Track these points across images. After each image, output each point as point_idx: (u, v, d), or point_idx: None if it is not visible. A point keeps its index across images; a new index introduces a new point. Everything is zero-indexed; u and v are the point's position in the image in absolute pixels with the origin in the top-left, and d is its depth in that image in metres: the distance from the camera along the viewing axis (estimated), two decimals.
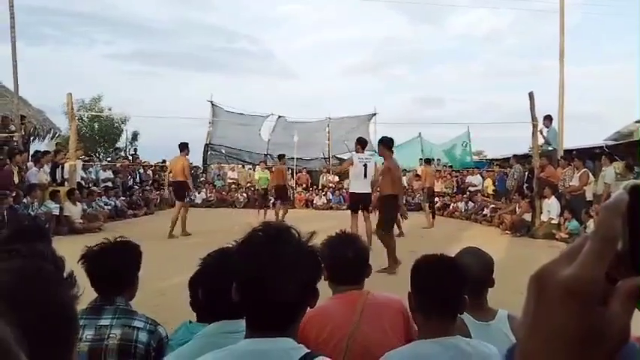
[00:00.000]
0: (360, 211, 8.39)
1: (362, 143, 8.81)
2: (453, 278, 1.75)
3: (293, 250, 1.23)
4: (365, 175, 8.37)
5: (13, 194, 10.50)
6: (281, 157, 14.38)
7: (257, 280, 1.19)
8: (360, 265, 2.20)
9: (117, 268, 2.04)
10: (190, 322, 2.08)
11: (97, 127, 31.94)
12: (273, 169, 14.86)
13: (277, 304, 1.20)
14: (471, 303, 2.10)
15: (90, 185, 14.73)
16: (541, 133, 12.69)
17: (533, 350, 0.40)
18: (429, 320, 1.73)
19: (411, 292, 1.79)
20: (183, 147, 11.21)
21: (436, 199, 18.19)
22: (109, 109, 31.62)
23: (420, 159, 21.49)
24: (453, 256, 1.92)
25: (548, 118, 12.95)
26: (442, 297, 1.72)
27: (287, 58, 71.12)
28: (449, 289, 1.73)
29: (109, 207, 14.11)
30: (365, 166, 8.41)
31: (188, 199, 11.75)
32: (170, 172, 11.39)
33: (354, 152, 8.92)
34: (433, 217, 13.67)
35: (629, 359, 0.44)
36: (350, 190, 8.69)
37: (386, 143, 7.58)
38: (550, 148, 13.08)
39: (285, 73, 64.40)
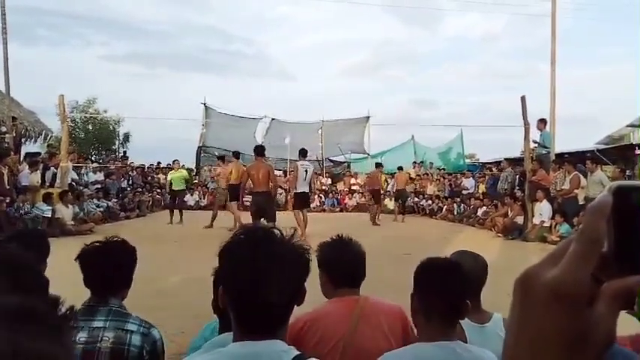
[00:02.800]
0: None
1: (302, 153, 11.14)
2: (457, 282, 1.75)
3: (280, 250, 1.22)
4: (305, 179, 10.57)
5: (7, 200, 10.41)
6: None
7: (248, 283, 1.18)
8: (359, 268, 2.21)
9: (112, 267, 2.02)
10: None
11: (90, 128, 31.75)
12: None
13: (268, 305, 1.18)
14: None
15: (81, 188, 14.62)
16: (534, 142, 12.75)
17: (519, 353, 0.40)
18: (430, 323, 1.72)
19: (414, 293, 1.79)
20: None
21: (429, 202, 18.32)
22: (105, 111, 31.45)
23: (414, 162, 21.58)
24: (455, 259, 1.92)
25: (542, 122, 13.01)
26: (445, 300, 1.71)
27: (283, 60, 71.27)
28: (452, 293, 1.72)
29: (101, 209, 14.02)
30: (306, 171, 10.61)
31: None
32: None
33: (301, 160, 11.01)
34: (402, 214, 16.19)
35: None
36: (296, 191, 10.62)
37: (254, 150, 10.45)
38: (544, 152, 13.14)
39: (281, 75, 64.48)
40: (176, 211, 13.67)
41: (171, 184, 14.09)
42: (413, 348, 1.74)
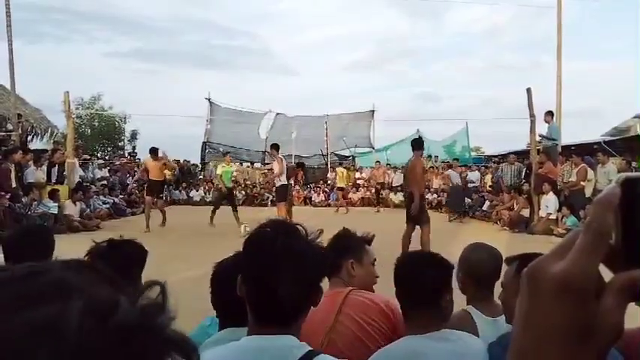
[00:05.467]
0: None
1: (277, 147, 11.43)
2: (435, 272, 1.77)
3: (302, 247, 1.23)
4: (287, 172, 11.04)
5: (8, 196, 10.44)
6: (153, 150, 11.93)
7: (265, 277, 1.20)
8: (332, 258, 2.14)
9: (121, 266, 2.02)
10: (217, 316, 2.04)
11: (96, 125, 31.86)
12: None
13: (284, 300, 1.19)
14: (481, 298, 2.12)
15: (87, 184, 14.71)
16: (540, 136, 12.66)
17: (526, 347, 0.39)
18: (414, 315, 1.76)
19: (395, 285, 1.82)
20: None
21: (435, 195, 18.32)
22: (110, 108, 31.53)
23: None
24: (437, 252, 1.92)
25: (549, 114, 12.88)
26: (423, 291, 1.74)
27: (287, 54, 71.36)
28: (430, 283, 1.75)
29: (107, 205, 14.09)
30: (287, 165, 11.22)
31: None
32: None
33: (279, 154, 11.28)
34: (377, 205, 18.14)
35: None
36: (281, 183, 10.93)
37: (413, 142, 8.46)
38: (550, 144, 13.05)
39: (284, 70, 64.56)
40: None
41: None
42: (405, 341, 1.75)
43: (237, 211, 12.02)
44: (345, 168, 20.17)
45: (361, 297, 2.08)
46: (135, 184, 17.05)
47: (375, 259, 2.33)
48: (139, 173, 12.70)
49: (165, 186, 19.41)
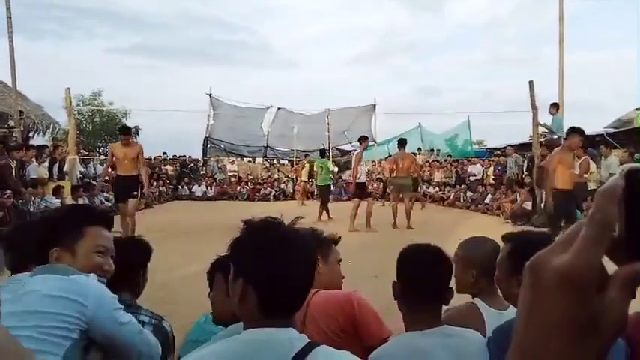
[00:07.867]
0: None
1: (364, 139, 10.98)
2: (439, 268, 1.77)
3: (300, 236, 1.27)
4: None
5: (8, 193, 10.44)
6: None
7: (278, 269, 1.21)
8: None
9: (125, 263, 2.03)
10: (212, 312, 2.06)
11: (98, 121, 31.87)
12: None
13: (297, 290, 1.24)
14: (486, 290, 2.11)
15: (89, 180, 14.73)
16: (544, 125, 12.60)
17: (529, 340, 0.39)
18: (415, 310, 1.74)
19: (397, 280, 1.80)
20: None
21: (437, 189, 18.31)
22: (110, 104, 31.52)
23: (419, 149, 21.51)
24: (440, 246, 1.91)
25: (554, 106, 12.79)
26: (428, 286, 1.73)
27: (288, 49, 71.31)
28: (435, 279, 1.74)
29: (109, 202, 14.11)
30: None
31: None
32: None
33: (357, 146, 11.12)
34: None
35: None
36: (360, 181, 10.65)
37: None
38: (555, 137, 12.97)
39: (286, 65, 64.53)
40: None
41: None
42: (406, 337, 1.74)
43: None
44: (308, 163, 18.92)
45: (323, 295, 2.11)
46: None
47: (340, 260, 2.36)
48: (105, 166, 9.09)
49: (170, 182, 19.53)
